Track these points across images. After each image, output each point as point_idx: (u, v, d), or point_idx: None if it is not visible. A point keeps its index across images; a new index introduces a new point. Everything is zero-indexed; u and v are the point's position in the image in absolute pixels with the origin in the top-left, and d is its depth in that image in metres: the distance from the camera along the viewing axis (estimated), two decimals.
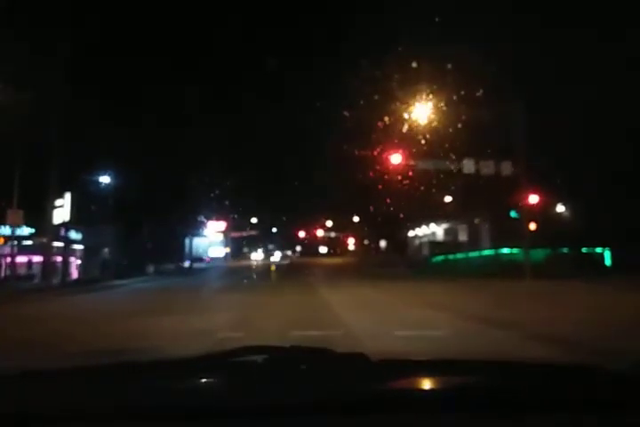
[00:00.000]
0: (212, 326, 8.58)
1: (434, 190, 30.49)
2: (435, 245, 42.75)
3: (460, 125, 21.15)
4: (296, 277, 30.95)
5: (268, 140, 70.29)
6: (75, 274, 32.88)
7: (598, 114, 22.26)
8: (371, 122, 25.06)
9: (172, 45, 55.72)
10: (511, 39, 21.37)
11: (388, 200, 38.72)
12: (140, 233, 40.55)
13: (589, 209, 25.53)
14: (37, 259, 28.58)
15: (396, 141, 22.55)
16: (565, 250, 27.55)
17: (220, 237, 67.70)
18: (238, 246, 79.15)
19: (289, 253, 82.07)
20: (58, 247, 29.43)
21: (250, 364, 1.59)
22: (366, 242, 72.03)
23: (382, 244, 65.41)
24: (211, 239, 65.71)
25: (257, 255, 73.44)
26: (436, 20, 21.69)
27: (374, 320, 9.49)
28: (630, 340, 6.00)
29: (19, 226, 24.15)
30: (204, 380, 1.61)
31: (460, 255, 34.70)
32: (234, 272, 37.63)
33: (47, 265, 26.38)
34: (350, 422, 1.32)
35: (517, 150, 21.37)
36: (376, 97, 23.41)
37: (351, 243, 78.96)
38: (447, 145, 22.37)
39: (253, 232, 77.06)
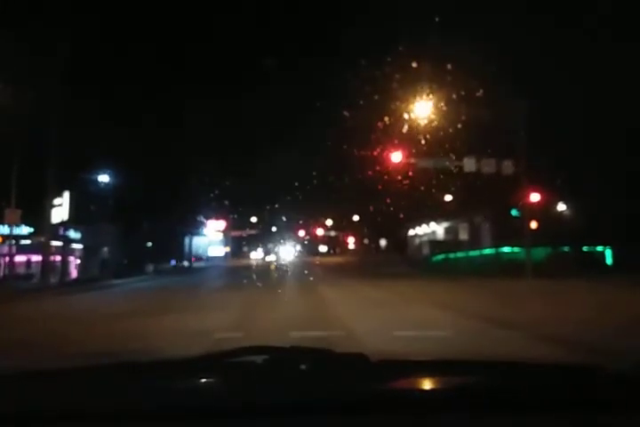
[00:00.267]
0: (210, 327, 8.55)
1: (434, 190, 30.49)
2: (435, 244, 42.71)
3: (460, 125, 21.16)
4: (296, 276, 30.99)
5: (268, 140, 70.30)
6: (74, 273, 32.90)
7: (598, 114, 22.28)
8: (371, 122, 25.09)
9: (172, 45, 55.84)
10: (512, 39, 21.37)
11: (388, 200, 38.73)
12: (140, 232, 40.60)
13: (590, 208, 25.53)
14: (36, 258, 28.56)
15: (396, 141, 22.55)
16: (566, 249, 27.55)
17: (220, 236, 67.72)
18: (238, 246, 79.20)
19: (289, 252, 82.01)
20: (57, 247, 29.41)
21: (250, 364, 1.59)
22: (366, 241, 71.98)
23: (382, 243, 65.40)
24: (210, 238, 65.71)
25: (257, 254, 73.48)
26: (436, 19, 21.69)
27: (376, 320, 9.46)
28: (631, 339, 6.00)
29: (17, 225, 24.15)
30: (203, 380, 1.61)
31: (460, 254, 34.70)
32: (233, 271, 37.61)
33: (46, 264, 26.35)
34: (350, 422, 1.31)
35: (518, 150, 21.36)
36: (376, 97, 23.45)
37: (351, 242, 78.84)
38: (447, 145, 22.39)
39: (253, 231, 77.02)
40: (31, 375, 1.61)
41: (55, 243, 28.93)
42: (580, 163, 24.22)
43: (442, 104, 20.37)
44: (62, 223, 30.05)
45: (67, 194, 30.20)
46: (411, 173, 24.90)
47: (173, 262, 48.29)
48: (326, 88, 49.70)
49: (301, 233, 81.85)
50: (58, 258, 29.98)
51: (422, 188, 29.65)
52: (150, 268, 39.38)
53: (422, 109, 20.66)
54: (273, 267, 46.43)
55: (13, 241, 24.45)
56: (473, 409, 1.34)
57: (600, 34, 21.17)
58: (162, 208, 40.08)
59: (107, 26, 36.93)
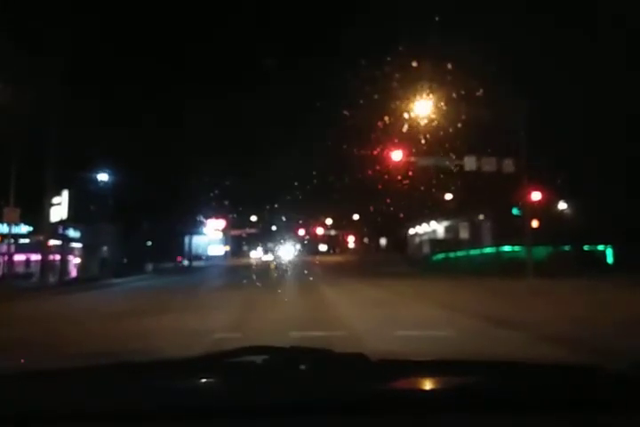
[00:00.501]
0: (210, 327, 8.55)
1: (434, 189, 30.49)
2: (435, 243, 42.69)
3: (460, 125, 21.15)
4: (296, 275, 31.00)
5: (267, 139, 70.18)
6: (73, 272, 32.87)
7: (598, 114, 22.27)
8: (371, 121, 25.08)
9: (172, 45, 55.80)
10: (512, 39, 21.37)
11: (389, 199, 38.72)
12: (140, 232, 40.60)
13: (591, 207, 25.53)
14: (35, 257, 28.54)
15: (396, 141, 22.55)
16: (567, 248, 27.54)
17: (220, 235, 67.70)
18: (238, 245, 79.17)
19: (289, 251, 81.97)
20: (56, 246, 29.38)
21: (250, 364, 1.59)
22: (366, 240, 71.98)
23: (382, 242, 65.39)
24: (210, 238, 65.68)
25: (256, 254, 73.44)
26: (436, 19, 21.71)
27: (376, 320, 9.46)
28: (631, 339, 6.00)
29: (16, 224, 24.14)
30: (203, 380, 1.61)
31: (461, 253, 34.69)
32: (233, 271, 37.61)
33: (45, 263, 26.34)
34: (350, 422, 1.31)
35: (518, 150, 21.36)
36: (376, 96, 23.43)
37: (351, 241, 78.80)
38: (447, 145, 22.38)
39: (253, 230, 76.97)
40: (31, 375, 1.61)
41: (54, 242, 28.91)
42: (580, 163, 24.22)
43: (442, 103, 20.35)
44: (61, 222, 30.01)
45: (65, 193, 30.17)
46: (411, 173, 24.90)
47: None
48: (326, 88, 49.72)
49: (301, 232, 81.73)
50: (57, 257, 29.93)
51: (422, 187, 29.66)
52: (150, 267, 39.39)
53: (422, 109, 20.64)
54: (273, 266, 46.40)
55: (12, 240, 24.41)
56: (473, 409, 1.34)
57: (600, 33, 21.17)
58: (162, 208, 40.09)
59: (107, 26, 36.94)
